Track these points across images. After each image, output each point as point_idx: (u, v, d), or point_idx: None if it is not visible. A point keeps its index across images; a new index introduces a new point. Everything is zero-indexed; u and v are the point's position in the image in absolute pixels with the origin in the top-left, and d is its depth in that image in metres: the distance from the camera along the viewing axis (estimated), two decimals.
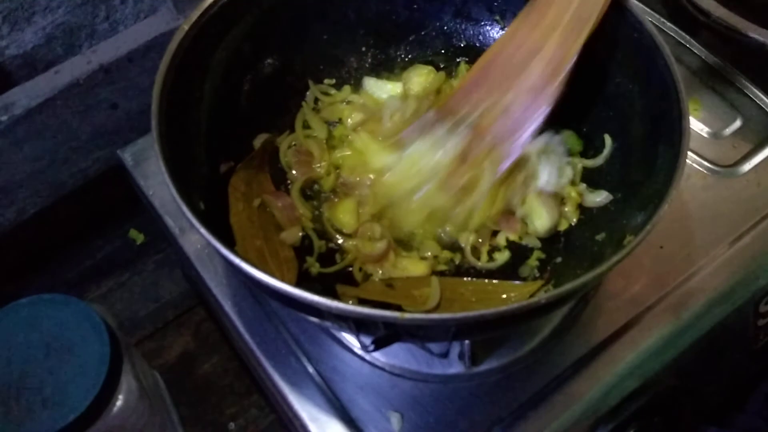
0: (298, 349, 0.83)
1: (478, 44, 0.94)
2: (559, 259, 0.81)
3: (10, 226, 1.00)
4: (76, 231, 1.11)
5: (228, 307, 0.87)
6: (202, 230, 0.64)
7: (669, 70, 0.74)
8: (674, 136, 0.71)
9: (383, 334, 0.63)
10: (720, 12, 0.95)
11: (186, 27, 0.76)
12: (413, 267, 0.80)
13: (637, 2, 1.06)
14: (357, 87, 0.94)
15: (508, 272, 0.81)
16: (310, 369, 0.82)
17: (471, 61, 0.93)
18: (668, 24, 1.04)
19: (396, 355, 0.80)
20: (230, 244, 0.73)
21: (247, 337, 0.85)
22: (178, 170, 0.70)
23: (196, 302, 1.16)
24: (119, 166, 0.98)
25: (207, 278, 0.89)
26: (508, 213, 0.84)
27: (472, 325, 0.62)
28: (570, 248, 0.81)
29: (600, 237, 0.79)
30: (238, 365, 1.08)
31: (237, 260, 0.63)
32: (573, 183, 0.85)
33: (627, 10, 0.79)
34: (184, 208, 0.65)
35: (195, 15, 0.77)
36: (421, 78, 0.91)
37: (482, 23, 0.93)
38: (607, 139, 0.85)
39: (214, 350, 1.12)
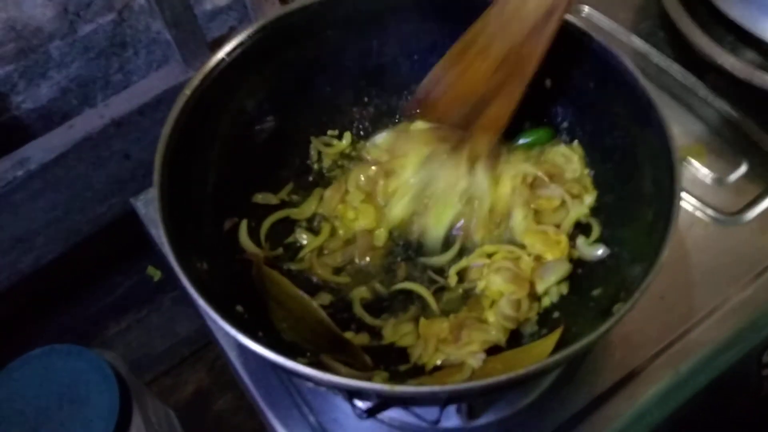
0: (300, 399, 0.85)
1: None
2: (556, 314, 0.81)
3: (30, 271, 1.04)
4: (94, 272, 1.15)
5: (233, 357, 0.89)
6: (200, 300, 0.67)
7: (663, 128, 0.74)
8: (665, 199, 0.71)
9: (375, 403, 0.65)
10: (724, 59, 0.95)
11: (188, 92, 0.78)
12: None
13: (642, 43, 1.08)
14: (359, 136, 0.95)
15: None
16: (312, 419, 0.84)
17: None
18: (675, 66, 1.04)
19: (395, 408, 0.82)
20: (228, 306, 0.75)
21: (251, 386, 0.87)
22: (180, 234, 0.73)
23: (211, 338, 1.19)
24: (134, 212, 1.01)
25: (214, 329, 0.91)
26: None
27: (462, 394, 0.64)
28: (567, 303, 0.82)
29: (596, 293, 0.79)
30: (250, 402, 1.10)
31: (227, 326, 0.65)
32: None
33: (623, 66, 0.79)
34: (184, 280, 0.67)
35: (196, 80, 0.79)
36: None
37: None
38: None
39: (228, 387, 1.15)
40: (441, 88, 0.88)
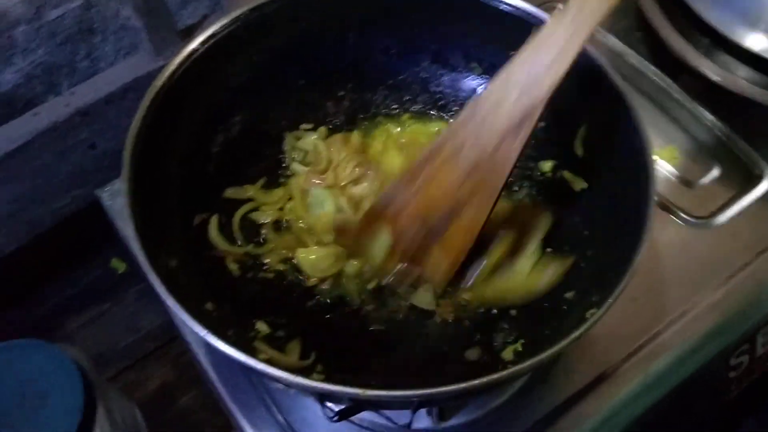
0: (269, 398, 0.83)
1: (453, 91, 0.94)
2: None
3: None
4: (55, 264, 1.12)
5: (201, 354, 0.88)
6: (170, 300, 0.65)
7: (639, 131, 0.74)
8: (640, 202, 0.71)
9: (347, 407, 0.64)
10: (699, 62, 0.95)
11: (158, 84, 0.76)
12: None
13: (618, 43, 1.08)
14: (333, 131, 0.94)
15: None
16: (280, 418, 0.82)
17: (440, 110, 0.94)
18: (650, 67, 1.04)
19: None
20: (198, 303, 0.74)
21: (218, 384, 0.86)
22: (150, 231, 0.71)
23: (177, 333, 1.17)
24: (98, 203, 0.99)
25: (181, 326, 0.89)
26: None
27: (433, 398, 0.63)
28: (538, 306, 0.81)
29: (569, 295, 0.79)
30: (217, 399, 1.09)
31: (198, 327, 0.64)
32: None
33: (600, 68, 0.79)
34: (154, 280, 0.65)
35: (167, 72, 0.76)
36: None
37: (459, 70, 0.92)
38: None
39: (194, 383, 1.12)
40: (402, 200, 0.79)
